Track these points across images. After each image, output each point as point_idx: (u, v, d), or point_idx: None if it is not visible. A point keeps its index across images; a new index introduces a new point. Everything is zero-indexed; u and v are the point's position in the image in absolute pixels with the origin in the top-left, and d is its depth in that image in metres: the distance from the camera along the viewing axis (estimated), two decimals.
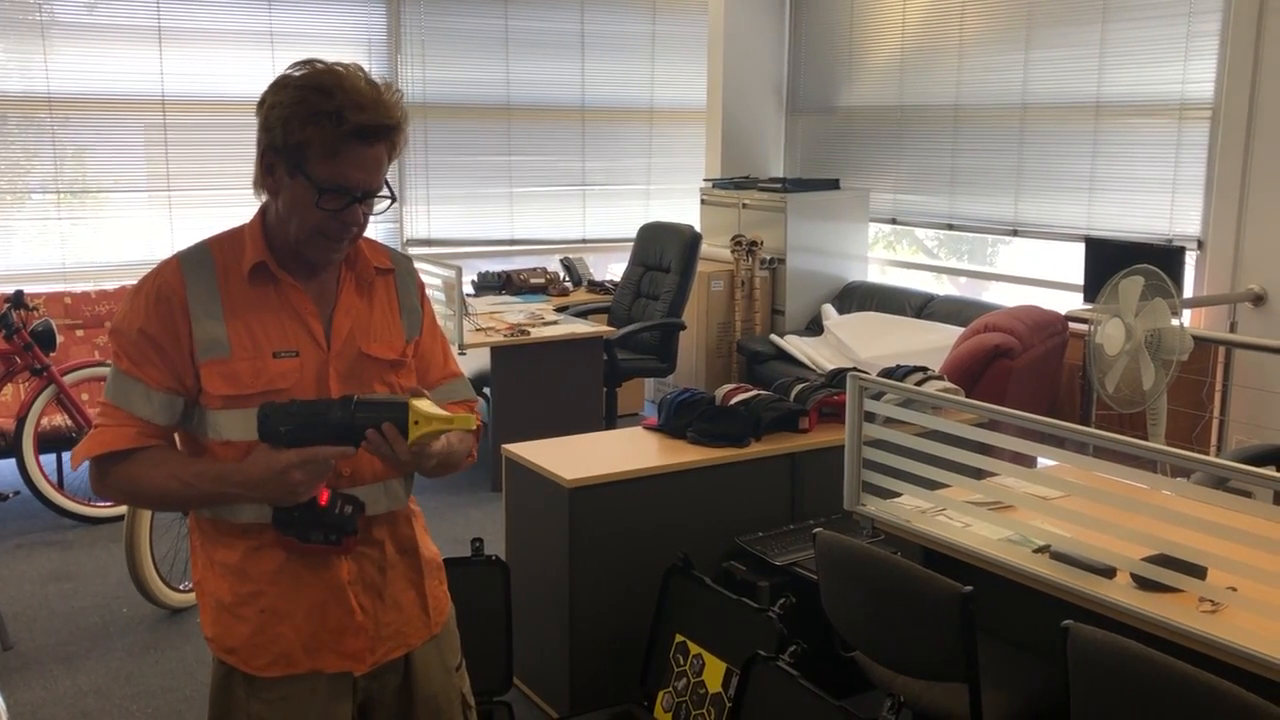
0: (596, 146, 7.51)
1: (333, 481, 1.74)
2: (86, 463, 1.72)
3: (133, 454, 1.69)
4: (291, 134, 1.63)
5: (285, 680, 1.77)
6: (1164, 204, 5.42)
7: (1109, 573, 2.43)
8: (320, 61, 1.67)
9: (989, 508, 2.79)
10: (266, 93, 1.68)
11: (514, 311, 5.90)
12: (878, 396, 2.97)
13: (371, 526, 1.81)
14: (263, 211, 1.77)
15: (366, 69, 1.69)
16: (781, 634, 2.78)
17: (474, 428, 1.70)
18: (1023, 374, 4.84)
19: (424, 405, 1.65)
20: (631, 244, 6.54)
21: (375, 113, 1.64)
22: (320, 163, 1.64)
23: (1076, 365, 5.00)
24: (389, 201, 1.75)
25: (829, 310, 6.61)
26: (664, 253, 6.24)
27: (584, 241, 7.56)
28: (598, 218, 7.60)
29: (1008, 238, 6.38)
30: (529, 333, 5.37)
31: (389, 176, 1.74)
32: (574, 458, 3.36)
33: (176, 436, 1.78)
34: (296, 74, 1.66)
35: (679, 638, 3.10)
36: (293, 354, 1.73)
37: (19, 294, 4.91)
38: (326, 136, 1.63)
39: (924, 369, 3.93)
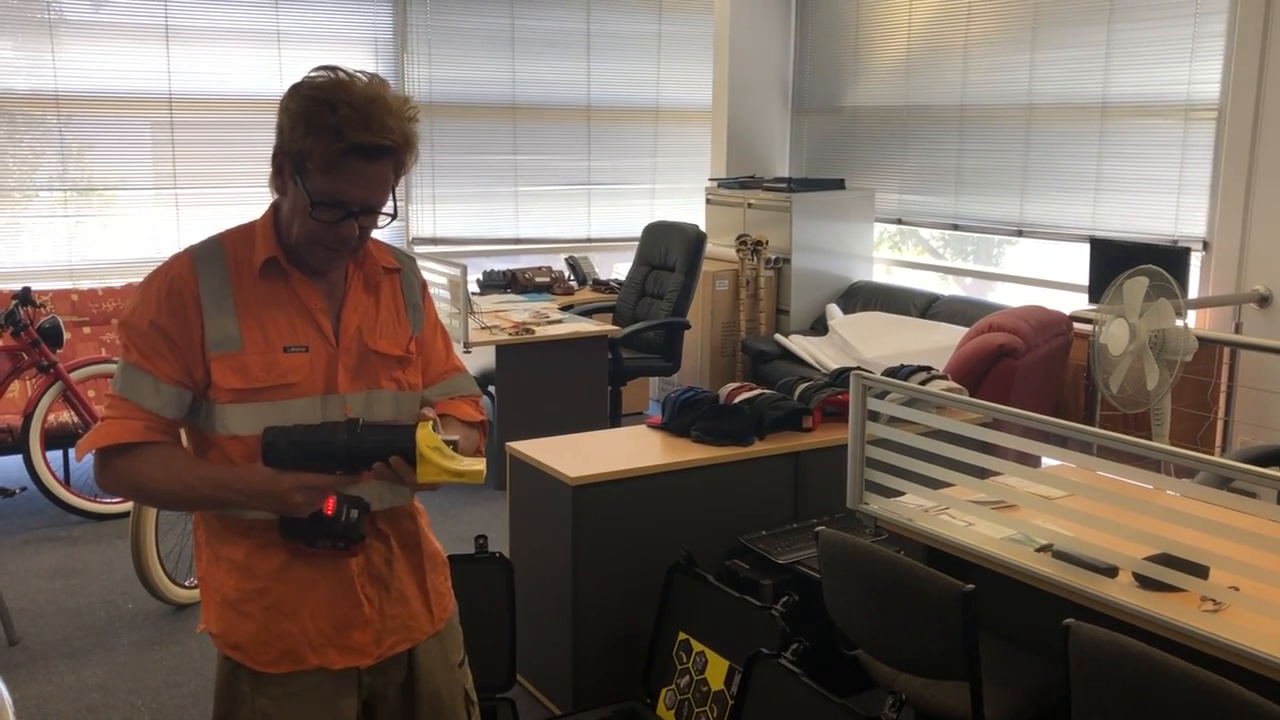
0: (602, 146, 7.52)
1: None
2: (90, 456, 1.72)
3: (138, 448, 1.69)
4: (295, 140, 1.64)
5: (291, 676, 1.78)
6: (1169, 205, 5.42)
7: (1111, 572, 2.44)
8: (342, 70, 1.67)
9: (992, 507, 2.79)
10: (285, 95, 1.69)
11: (519, 310, 5.90)
12: (881, 395, 2.98)
13: (378, 521, 1.82)
14: (275, 208, 1.78)
15: (373, 69, 1.70)
16: (784, 632, 2.79)
17: (481, 480, 1.68)
18: (1027, 374, 4.84)
19: (428, 445, 1.63)
20: (636, 243, 6.55)
21: (376, 133, 1.63)
22: (317, 174, 1.65)
23: (1081, 365, 5.00)
24: (389, 219, 1.75)
25: (833, 310, 6.61)
26: (669, 252, 6.25)
27: (589, 240, 7.56)
28: (603, 217, 7.61)
29: (1013, 238, 6.37)
30: (534, 331, 5.38)
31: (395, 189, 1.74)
32: (578, 456, 3.37)
33: (184, 433, 1.78)
34: (315, 79, 1.67)
35: (682, 635, 3.11)
36: (302, 349, 1.74)
37: (26, 291, 4.92)
38: (326, 150, 1.63)
39: (928, 368, 3.93)
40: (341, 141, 1.62)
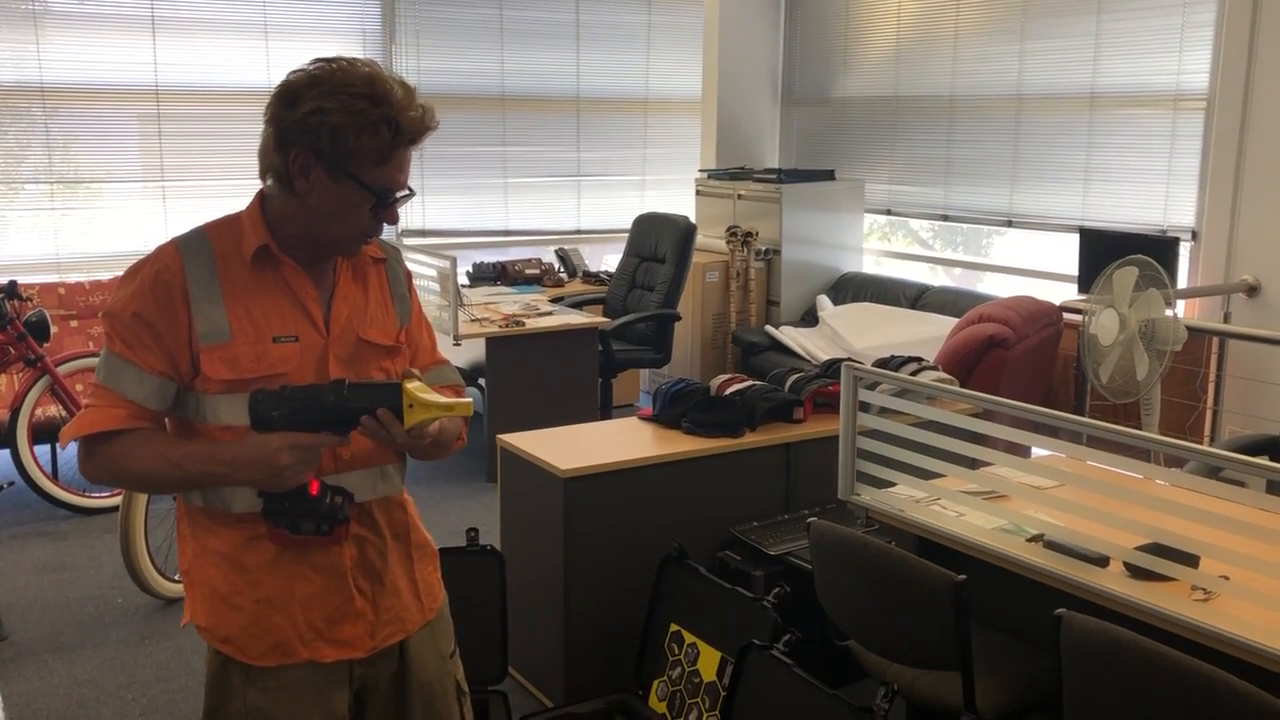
0: (591, 137, 7.50)
1: (331, 465, 1.75)
2: (75, 447, 1.72)
3: (121, 434, 1.68)
4: (343, 141, 1.62)
5: (281, 669, 1.77)
6: (1158, 195, 5.43)
7: (1102, 561, 2.44)
8: (345, 60, 1.66)
9: (983, 497, 2.80)
10: (301, 91, 1.63)
11: (509, 302, 5.89)
12: (872, 386, 2.98)
13: (372, 511, 1.82)
14: (261, 198, 1.76)
15: (361, 59, 1.69)
16: (776, 623, 2.79)
17: (470, 413, 1.70)
18: (1017, 364, 4.85)
19: (417, 389, 1.66)
20: (626, 235, 6.54)
21: (424, 119, 1.67)
22: (370, 169, 1.65)
23: (1071, 355, 5.01)
24: (410, 195, 1.76)
25: (824, 301, 6.61)
26: (659, 244, 6.24)
27: (579, 232, 7.55)
28: (593, 208, 7.60)
29: (1002, 228, 6.38)
30: (524, 324, 5.37)
31: None
32: (569, 448, 3.36)
33: (168, 423, 1.77)
34: (333, 76, 1.63)
35: (674, 627, 3.11)
36: (292, 339, 1.73)
37: (13, 284, 4.89)
38: (381, 144, 1.64)
39: (918, 359, 3.94)
40: (400, 134, 1.64)
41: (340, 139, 1.62)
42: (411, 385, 1.66)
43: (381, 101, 1.63)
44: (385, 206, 1.71)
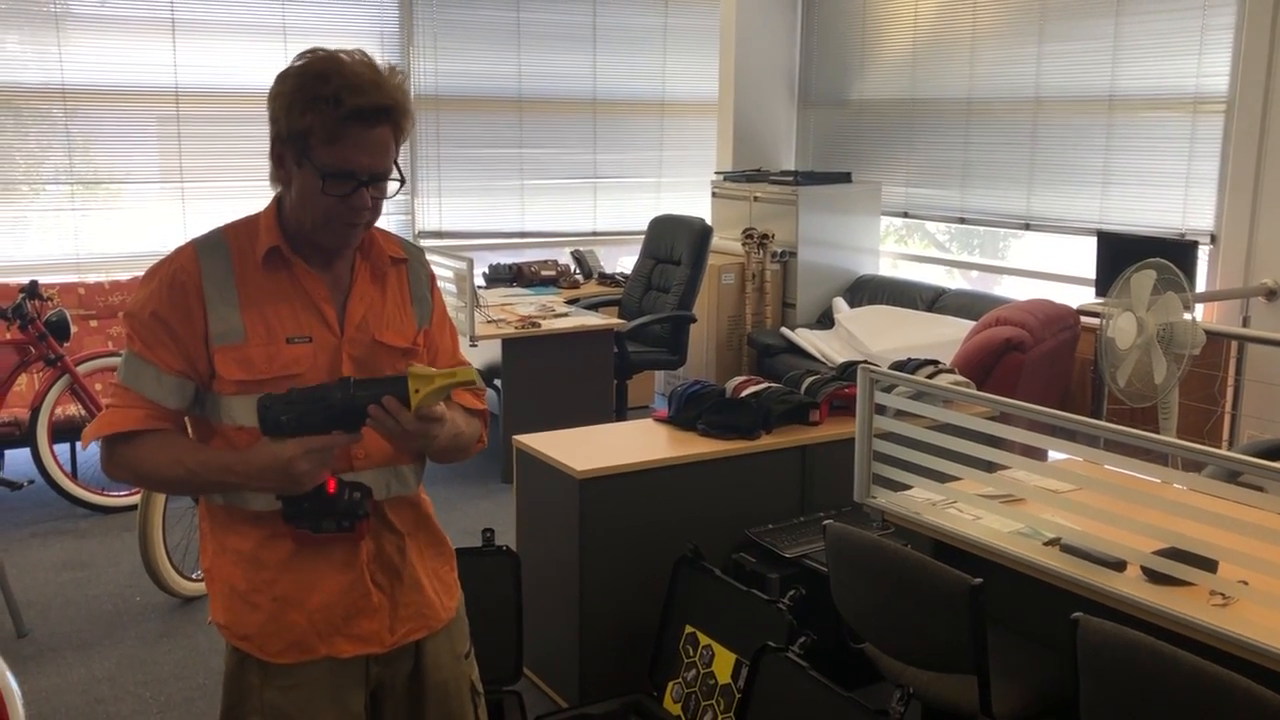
0: (608, 139, 7.51)
1: (346, 465, 1.75)
2: (96, 446, 1.74)
3: (141, 436, 1.71)
4: (294, 122, 1.65)
5: (299, 667, 1.78)
6: (1177, 198, 5.40)
7: (1119, 566, 2.43)
8: (322, 50, 1.69)
9: (1000, 500, 2.79)
10: (272, 85, 1.70)
11: (525, 304, 5.91)
12: (889, 389, 2.97)
13: (387, 511, 1.83)
14: (278, 200, 1.78)
15: (379, 62, 1.70)
16: (791, 625, 2.79)
17: (474, 379, 1.69)
18: (1034, 367, 4.84)
19: (421, 370, 1.66)
20: (642, 237, 6.55)
21: (373, 94, 1.65)
22: (323, 148, 1.65)
23: (1088, 359, 4.99)
24: (399, 185, 1.75)
25: (840, 304, 6.60)
26: (675, 245, 6.24)
27: (595, 234, 7.56)
28: (609, 210, 7.60)
29: (1020, 232, 6.36)
30: (540, 325, 5.38)
31: (400, 162, 1.75)
32: (584, 449, 3.37)
33: (188, 422, 1.79)
34: (297, 64, 1.68)
35: (689, 629, 3.11)
36: (306, 340, 1.75)
37: (33, 284, 4.93)
38: (326, 121, 1.63)
39: (935, 362, 3.93)
40: (341, 108, 1.63)
41: (293, 118, 1.65)
42: (415, 369, 1.67)
43: (329, 78, 1.63)
44: (352, 190, 1.68)
